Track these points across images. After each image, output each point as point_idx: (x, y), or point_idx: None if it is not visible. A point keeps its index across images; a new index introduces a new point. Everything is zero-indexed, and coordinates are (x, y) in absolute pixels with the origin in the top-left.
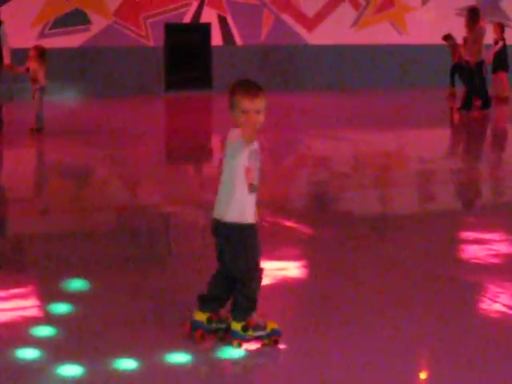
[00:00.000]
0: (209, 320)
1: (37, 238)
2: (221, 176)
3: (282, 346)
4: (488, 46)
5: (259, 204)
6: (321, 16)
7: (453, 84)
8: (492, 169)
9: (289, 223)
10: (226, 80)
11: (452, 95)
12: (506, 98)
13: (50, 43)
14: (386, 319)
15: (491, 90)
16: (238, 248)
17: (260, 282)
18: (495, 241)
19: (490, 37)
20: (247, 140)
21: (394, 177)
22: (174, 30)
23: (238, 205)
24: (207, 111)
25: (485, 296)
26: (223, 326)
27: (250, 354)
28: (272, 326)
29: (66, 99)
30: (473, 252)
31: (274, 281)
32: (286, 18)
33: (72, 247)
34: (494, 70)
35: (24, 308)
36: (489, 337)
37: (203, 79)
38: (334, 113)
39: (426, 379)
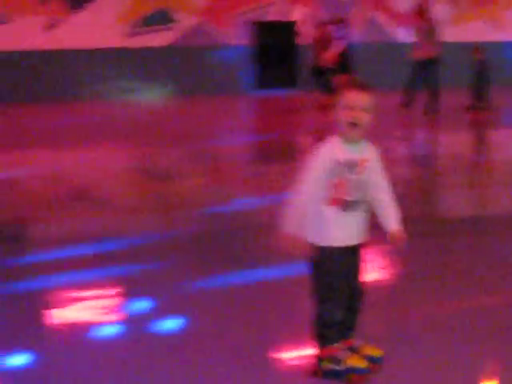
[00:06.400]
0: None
1: None
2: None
3: None
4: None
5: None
6: None
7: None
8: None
9: None
10: None
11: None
12: None
13: None
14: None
15: None
16: (313, 268)
17: (334, 307)
18: None
19: None
20: (348, 140)
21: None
22: None
23: (315, 223)
24: None
25: None
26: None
27: None
28: (355, 362)
29: None
30: None
31: None
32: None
33: None
34: None
35: None
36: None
37: None
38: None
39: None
